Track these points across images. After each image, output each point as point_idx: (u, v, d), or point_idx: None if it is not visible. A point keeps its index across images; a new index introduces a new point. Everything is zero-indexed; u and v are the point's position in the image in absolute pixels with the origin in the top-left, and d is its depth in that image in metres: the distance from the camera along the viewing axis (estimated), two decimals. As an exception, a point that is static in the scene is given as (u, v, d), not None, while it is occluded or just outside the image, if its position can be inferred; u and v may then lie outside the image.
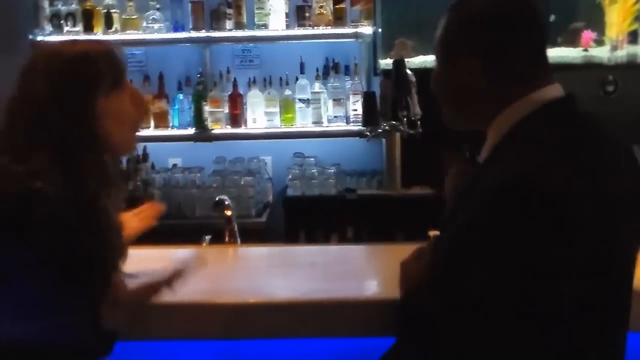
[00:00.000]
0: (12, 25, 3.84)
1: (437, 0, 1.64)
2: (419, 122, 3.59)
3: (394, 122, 3.66)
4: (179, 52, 4.12)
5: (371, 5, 3.90)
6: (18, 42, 3.83)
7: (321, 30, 3.90)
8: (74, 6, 3.87)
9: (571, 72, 3.55)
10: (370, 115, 3.74)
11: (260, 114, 3.93)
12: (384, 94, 3.69)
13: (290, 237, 3.64)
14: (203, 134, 3.92)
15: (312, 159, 3.88)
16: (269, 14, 3.89)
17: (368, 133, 3.72)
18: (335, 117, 3.93)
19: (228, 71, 4.01)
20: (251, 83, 3.99)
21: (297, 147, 4.03)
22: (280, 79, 4.00)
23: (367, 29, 3.89)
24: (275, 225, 3.78)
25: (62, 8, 3.88)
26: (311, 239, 3.66)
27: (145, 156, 3.82)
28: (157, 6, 3.93)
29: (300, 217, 3.75)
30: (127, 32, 3.91)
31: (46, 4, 3.90)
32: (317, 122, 3.94)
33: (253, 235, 3.33)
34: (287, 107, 3.95)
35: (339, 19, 3.91)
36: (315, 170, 3.77)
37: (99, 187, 1.45)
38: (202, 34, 3.90)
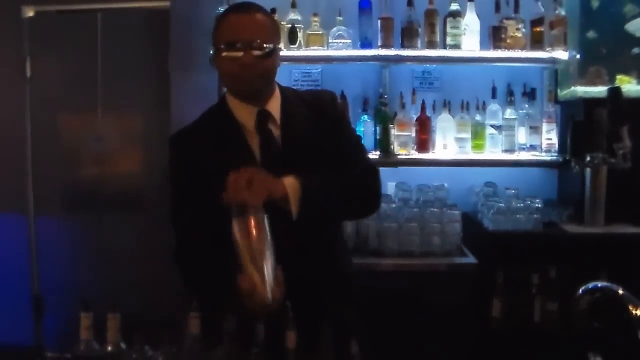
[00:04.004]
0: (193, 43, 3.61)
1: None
2: (628, 155, 3.40)
3: (601, 155, 3.46)
4: (356, 72, 3.88)
5: (566, 29, 3.68)
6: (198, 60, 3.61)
7: (517, 53, 3.67)
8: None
9: None
10: (578, 146, 3.52)
11: (450, 140, 3.68)
12: (597, 123, 3.46)
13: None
14: (388, 159, 3.66)
15: (513, 190, 3.61)
16: (463, 34, 3.65)
17: (576, 165, 3.51)
18: (531, 145, 3.68)
19: (413, 92, 3.77)
20: (436, 106, 3.76)
21: (477, 174, 3.80)
22: (462, 102, 3.75)
23: (563, 54, 3.66)
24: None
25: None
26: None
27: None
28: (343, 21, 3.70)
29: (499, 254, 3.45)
30: (311, 48, 3.66)
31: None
32: (509, 150, 3.69)
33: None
34: (477, 133, 3.71)
35: (537, 42, 3.68)
36: (519, 204, 3.50)
37: None
38: (392, 52, 3.65)
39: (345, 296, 2.13)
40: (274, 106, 2.06)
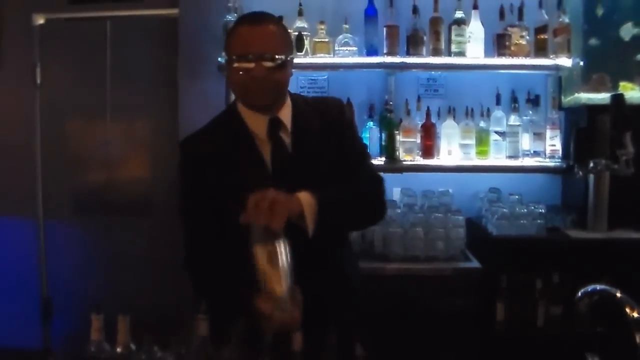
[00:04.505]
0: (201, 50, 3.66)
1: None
2: (631, 162, 3.42)
3: (604, 161, 3.48)
4: (362, 79, 3.92)
5: (570, 36, 3.72)
6: (206, 67, 3.66)
7: (521, 60, 3.71)
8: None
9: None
10: (581, 152, 3.55)
11: (455, 146, 3.72)
12: (600, 129, 3.49)
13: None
14: (394, 165, 3.70)
15: (517, 196, 3.64)
16: (468, 41, 3.69)
17: (579, 171, 3.53)
18: (534, 152, 3.71)
19: (419, 99, 3.81)
20: (441, 113, 3.80)
21: (482, 180, 3.84)
22: (467, 109, 3.79)
23: (566, 62, 3.69)
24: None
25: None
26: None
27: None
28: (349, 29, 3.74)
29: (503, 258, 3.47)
30: (318, 55, 3.71)
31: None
32: (513, 157, 3.72)
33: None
34: (481, 139, 3.74)
35: (541, 49, 3.71)
36: (523, 209, 3.53)
37: None
38: (398, 59, 3.69)
39: (351, 300, 2.16)
40: (285, 114, 2.09)
